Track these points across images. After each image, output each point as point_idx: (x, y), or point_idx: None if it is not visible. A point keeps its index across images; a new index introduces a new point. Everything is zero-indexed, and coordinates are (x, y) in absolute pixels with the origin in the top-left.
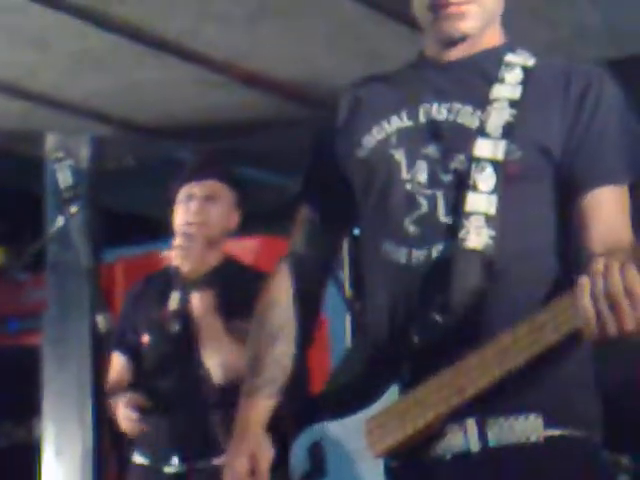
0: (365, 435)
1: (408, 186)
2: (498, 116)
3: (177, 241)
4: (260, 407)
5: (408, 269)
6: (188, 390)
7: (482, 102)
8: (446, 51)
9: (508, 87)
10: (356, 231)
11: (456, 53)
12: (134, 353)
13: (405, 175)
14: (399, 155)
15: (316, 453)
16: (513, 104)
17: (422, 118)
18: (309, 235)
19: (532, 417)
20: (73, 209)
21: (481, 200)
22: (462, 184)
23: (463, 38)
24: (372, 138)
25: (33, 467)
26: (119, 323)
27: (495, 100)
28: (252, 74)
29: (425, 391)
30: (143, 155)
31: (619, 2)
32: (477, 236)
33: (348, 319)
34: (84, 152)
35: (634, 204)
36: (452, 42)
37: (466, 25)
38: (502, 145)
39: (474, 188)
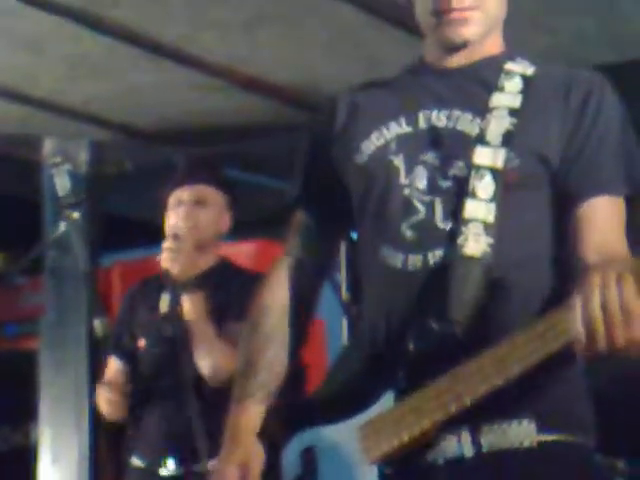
0: (359, 441)
1: (406, 191)
2: (498, 124)
3: (166, 244)
4: (251, 412)
5: (404, 274)
6: (183, 393)
7: (482, 110)
8: (446, 57)
9: (508, 96)
10: (354, 235)
11: (456, 60)
12: (130, 357)
13: (403, 180)
14: (398, 161)
15: (308, 458)
16: (513, 113)
17: (422, 124)
18: (304, 239)
19: (525, 422)
20: (71, 214)
21: (480, 207)
22: (461, 191)
23: (465, 44)
24: (371, 144)
25: (30, 472)
26: (115, 327)
27: (495, 108)
28: (251, 79)
29: (421, 398)
30: (141, 160)
31: (618, 7)
32: (475, 243)
33: (345, 322)
34: (82, 157)
35: (630, 216)
36: (453, 48)
37: (469, 31)
38: (502, 153)
39: (473, 195)
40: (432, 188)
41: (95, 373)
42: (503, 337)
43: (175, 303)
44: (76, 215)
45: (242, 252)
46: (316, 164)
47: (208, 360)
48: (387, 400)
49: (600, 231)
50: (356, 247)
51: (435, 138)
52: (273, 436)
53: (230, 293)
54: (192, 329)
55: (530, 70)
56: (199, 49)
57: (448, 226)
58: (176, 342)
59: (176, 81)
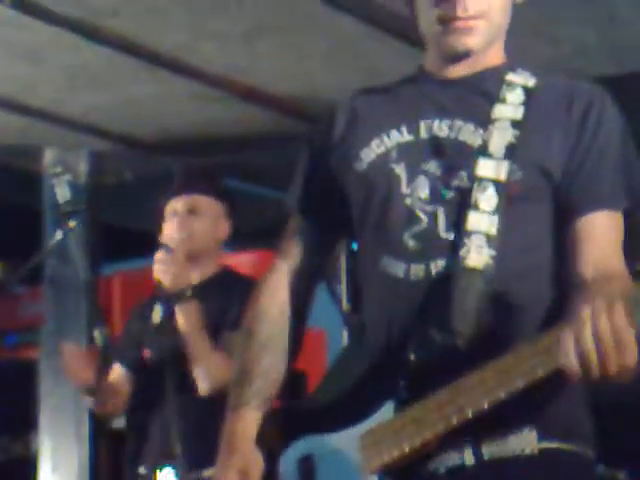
0: (360, 450)
1: (408, 201)
2: (500, 136)
3: (157, 255)
4: (247, 419)
5: (406, 284)
6: (182, 402)
7: (484, 121)
8: (448, 67)
9: (510, 107)
10: (354, 245)
11: (458, 70)
12: (134, 367)
13: (405, 190)
14: (399, 169)
15: (306, 467)
16: (515, 125)
17: (423, 134)
18: (300, 245)
19: (526, 431)
20: (71, 223)
21: (482, 220)
22: (464, 202)
23: (467, 54)
24: (371, 152)
25: None
26: (121, 337)
27: (497, 120)
28: (250, 89)
29: (423, 409)
30: (141, 170)
31: (619, 19)
32: (477, 255)
33: (345, 332)
34: (82, 167)
35: (630, 229)
36: (456, 58)
37: (473, 41)
38: (504, 166)
39: (476, 207)
40: (435, 198)
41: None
42: (505, 348)
43: (167, 314)
44: (76, 225)
45: (242, 263)
46: (314, 172)
47: (203, 371)
48: (387, 410)
49: (598, 246)
50: (356, 256)
51: (437, 148)
52: (270, 443)
53: (230, 300)
54: (187, 340)
55: (531, 81)
56: (198, 60)
57: (451, 237)
58: (173, 353)
59: (175, 91)
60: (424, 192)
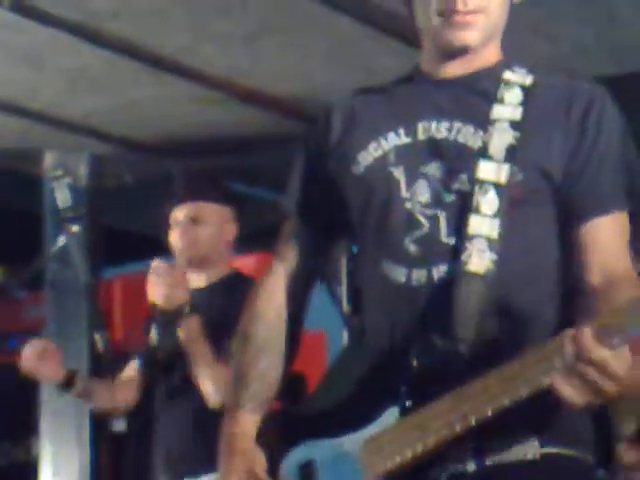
0: (362, 457)
1: (408, 205)
2: (500, 138)
3: (153, 264)
4: (246, 422)
5: (408, 289)
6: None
7: (483, 122)
8: (444, 65)
9: (509, 108)
10: (354, 248)
11: (453, 69)
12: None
13: (405, 194)
14: (398, 173)
15: (308, 472)
16: (515, 126)
17: (421, 136)
18: (295, 249)
19: (530, 441)
20: (72, 227)
21: (484, 223)
22: (464, 205)
23: (464, 49)
24: (368, 155)
25: None
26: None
27: (496, 121)
28: (250, 91)
29: (426, 416)
30: (141, 173)
31: (619, 18)
32: (479, 260)
33: (346, 334)
34: (83, 170)
35: (634, 230)
36: (452, 54)
37: (471, 36)
38: (505, 168)
39: (477, 211)
40: (436, 202)
41: None
42: (508, 354)
43: (163, 335)
44: (76, 228)
45: (242, 265)
46: (311, 175)
47: (207, 382)
48: (390, 416)
49: (603, 252)
50: (356, 260)
51: (436, 150)
52: (270, 446)
53: (236, 300)
54: (189, 353)
55: (529, 80)
56: (199, 62)
57: (452, 241)
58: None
59: (176, 94)
60: (424, 196)
